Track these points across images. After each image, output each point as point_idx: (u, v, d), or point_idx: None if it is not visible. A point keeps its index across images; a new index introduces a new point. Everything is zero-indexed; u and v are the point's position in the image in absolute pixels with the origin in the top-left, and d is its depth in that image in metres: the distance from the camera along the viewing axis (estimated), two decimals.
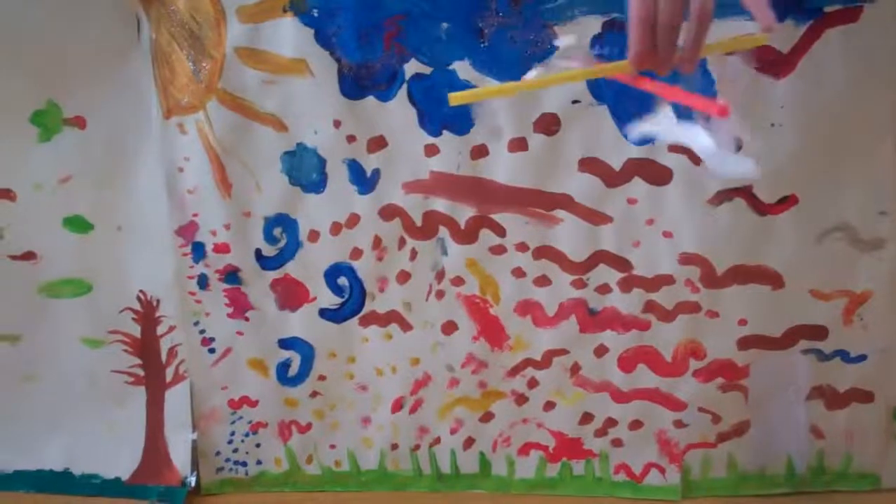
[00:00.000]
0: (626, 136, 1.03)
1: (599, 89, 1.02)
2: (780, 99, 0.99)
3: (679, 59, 0.75)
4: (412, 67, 1.04)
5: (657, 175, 1.04)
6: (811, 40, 0.97)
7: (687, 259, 1.06)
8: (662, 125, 0.86)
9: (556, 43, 1.00)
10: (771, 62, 0.98)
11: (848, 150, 1.01)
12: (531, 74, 0.93)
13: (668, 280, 1.08)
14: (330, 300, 1.14)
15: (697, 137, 0.77)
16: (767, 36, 0.78)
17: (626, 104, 1.02)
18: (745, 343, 1.09)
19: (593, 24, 1.00)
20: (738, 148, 0.81)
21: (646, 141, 1.02)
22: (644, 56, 0.75)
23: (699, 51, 0.75)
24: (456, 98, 0.82)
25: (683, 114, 0.79)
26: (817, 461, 1.13)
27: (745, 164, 0.80)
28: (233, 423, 1.19)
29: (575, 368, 1.13)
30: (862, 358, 1.09)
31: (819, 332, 1.08)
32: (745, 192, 1.03)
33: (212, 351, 1.17)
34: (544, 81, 0.94)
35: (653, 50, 0.74)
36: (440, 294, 1.12)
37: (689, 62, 0.75)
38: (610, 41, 0.99)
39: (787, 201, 1.03)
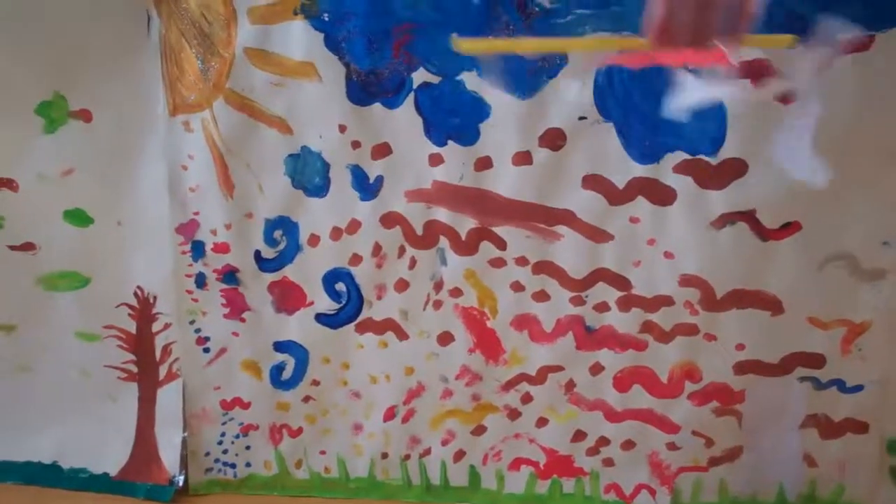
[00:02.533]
0: (630, 154, 1.03)
1: (606, 107, 1.02)
2: (788, 124, 0.99)
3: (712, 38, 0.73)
4: (420, 76, 1.04)
5: (661, 195, 1.04)
6: (822, 67, 0.97)
7: (687, 281, 1.06)
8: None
9: None
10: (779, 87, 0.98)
11: (853, 179, 1.00)
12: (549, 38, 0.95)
13: (667, 301, 1.07)
14: (327, 305, 1.13)
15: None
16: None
17: (632, 123, 1.02)
18: (741, 368, 1.08)
19: None
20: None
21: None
22: (663, 30, 0.72)
23: (742, 31, 0.73)
24: (464, 45, 0.82)
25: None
26: (809, 490, 1.12)
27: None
28: (224, 423, 1.19)
29: (570, 385, 1.12)
30: (858, 388, 1.08)
31: (816, 361, 1.07)
32: (748, 216, 1.02)
33: (206, 350, 1.16)
34: (559, 44, 0.93)
35: (672, 24, 0.72)
36: (438, 304, 1.12)
37: (728, 43, 0.73)
38: None
39: (789, 228, 1.02)
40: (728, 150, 1.00)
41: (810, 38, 0.95)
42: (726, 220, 1.03)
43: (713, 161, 1.01)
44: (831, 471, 1.12)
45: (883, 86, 0.97)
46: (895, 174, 1.00)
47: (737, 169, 1.01)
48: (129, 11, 1.07)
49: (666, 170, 1.03)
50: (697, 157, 1.01)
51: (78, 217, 1.14)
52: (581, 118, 1.02)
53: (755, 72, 0.97)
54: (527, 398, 1.14)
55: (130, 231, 1.15)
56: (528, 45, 0.95)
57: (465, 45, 0.84)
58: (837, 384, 1.08)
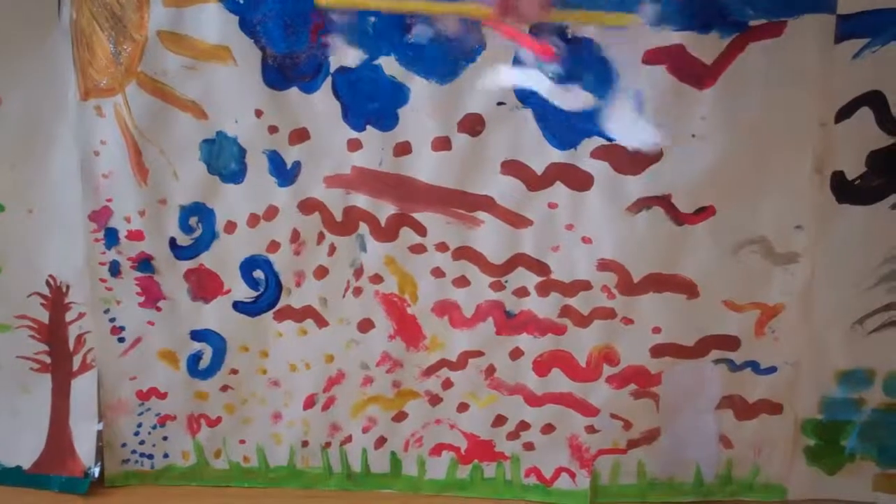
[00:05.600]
0: (548, 139, 1.03)
1: (525, 93, 1.02)
2: (702, 110, 1.00)
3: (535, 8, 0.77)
4: (337, 60, 1.03)
5: (578, 180, 1.04)
6: (734, 53, 0.98)
7: (604, 265, 1.07)
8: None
9: None
10: (694, 73, 0.99)
11: (767, 164, 1.02)
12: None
13: (585, 285, 1.08)
14: (245, 293, 1.12)
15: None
16: (637, 17, 0.81)
17: (550, 108, 1.02)
18: (658, 351, 1.09)
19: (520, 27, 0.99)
20: None
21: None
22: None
23: None
24: None
25: None
26: (725, 471, 1.14)
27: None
28: (140, 414, 1.17)
29: (490, 370, 1.13)
30: (772, 370, 1.10)
31: (731, 343, 1.09)
32: (663, 200, 1.03)
33: (121, 340, 1.14)
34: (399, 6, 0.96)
35: None
36: (357, 291, 1.11)
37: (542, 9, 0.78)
38: None
39: (704, 212, 1.04)
40: None
41: (723, 24, 0.97)
42: (642, 204, 1.04)
43: (629, 146, 1.02)
44: (747, 451, 1.14)
45: (794, 71, 0.99)
46: (808, 158, 1.02)
47: (652, 154, 1.02)
48: None
49: (583, 155, 1.03)
50: (614, 142, 1.02)
51: None
52: (500, 103, 1.03)
53: (671, 57, 0.98)
54: (447, 384, 1.14)
55: (42, 218, 1.12)
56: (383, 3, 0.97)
57: None
58: (752, 366, 1.10)
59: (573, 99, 1.00)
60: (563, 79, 1.00)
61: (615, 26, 0.97)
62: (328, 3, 0.90)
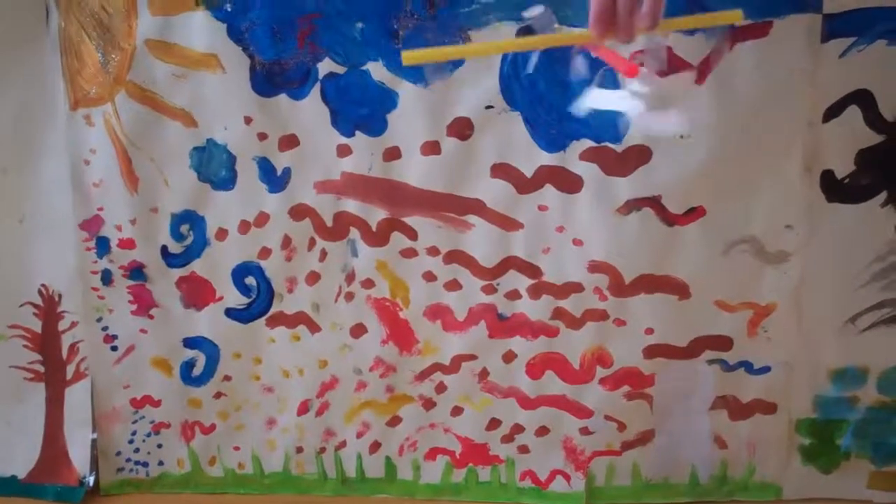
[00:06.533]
0: (537, 142, 1.03)
1: (513, 96, 1.02)
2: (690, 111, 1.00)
3: (640, 26, 0.75)
4: (326, 66, 1.03)
5: (568, 183, 1.04)
6: (721, 54, 0.98)
7: (596, 267, 1.07)
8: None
9: (524, 14, 0.98)
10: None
11: (756, 164, 1.02)
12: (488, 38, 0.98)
13: (576, 287, 1.08)
14: (237, 299, 1.12)
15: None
16: (740, 13, 0.80)
17: (538, 111, 1.02)
18: (651, 352, 1.09)
19: (508, 31, 0.99)
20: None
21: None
22: (604, 21, 0.75)
23: (659, 13, 0.75)
24: (409, 57, 0.81)
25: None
26: (720, 471, 1.14)
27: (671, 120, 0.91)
28: (134, 422, 1.17)
29: (483, 374, 1.13)
30: (765, 369, 1.10)
31: (724, 343, 1.09)
32: (653, 202, 1.03)
33: (114, 348, 1.14)
34: (504, 45, 0.96)
35: (612, 15, 0.75)
36: (349, 296, 1.11)
37: (649, 27, 0.75)
38: None
39: (694, 212, 1.04)
40: (632, 137, 1.01)
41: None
42: (632, 206, 1.04)
43: (618, 148, 1.02)
44: (742, 451, 1.14)
45: (781, 71, 0.98)
46: (796, 158, 1.02)
47: (641, 155, 1.02)
48: (25, 2, 1.04)
49: (572, 157, 1.03)
50: (602, 144, 1.02)
51: None
52: (488, 107, 1.03)
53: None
54: (441, 388, 1.14)
55: (33, 227, 1.12)
56: (472, 51, 0.99)
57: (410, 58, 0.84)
58: (745, 366, 1.10)
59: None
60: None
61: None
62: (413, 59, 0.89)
